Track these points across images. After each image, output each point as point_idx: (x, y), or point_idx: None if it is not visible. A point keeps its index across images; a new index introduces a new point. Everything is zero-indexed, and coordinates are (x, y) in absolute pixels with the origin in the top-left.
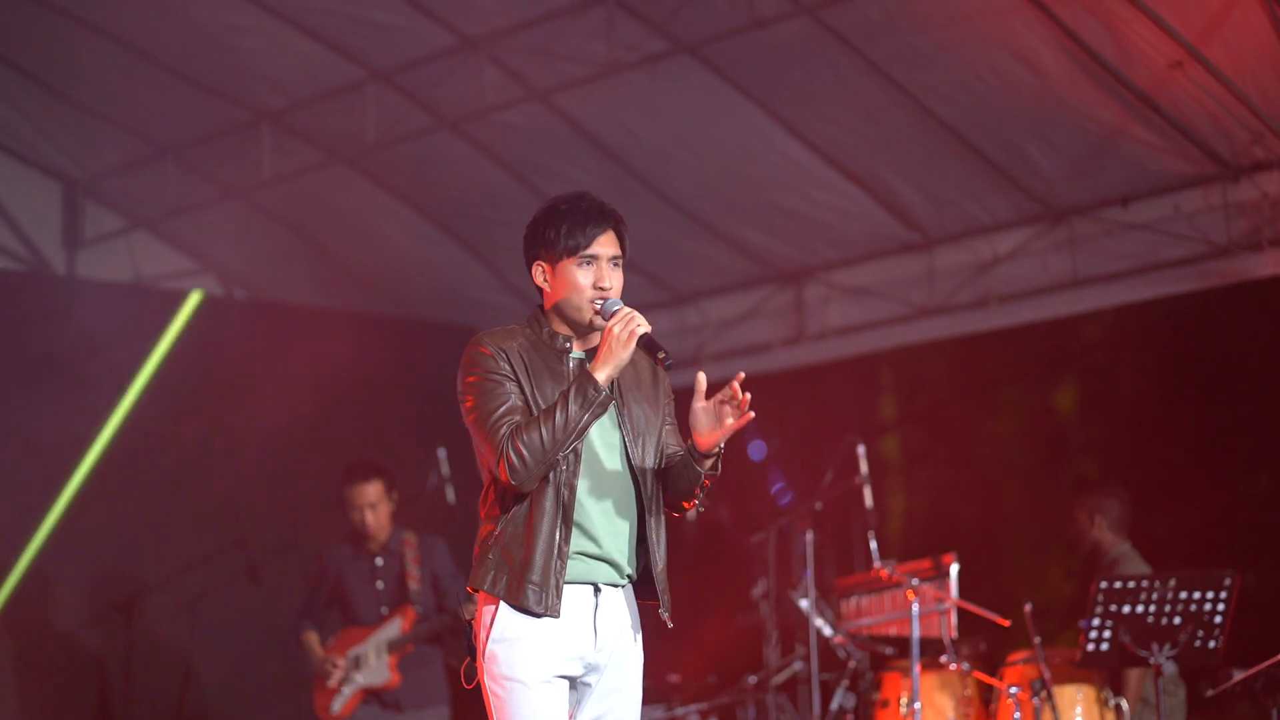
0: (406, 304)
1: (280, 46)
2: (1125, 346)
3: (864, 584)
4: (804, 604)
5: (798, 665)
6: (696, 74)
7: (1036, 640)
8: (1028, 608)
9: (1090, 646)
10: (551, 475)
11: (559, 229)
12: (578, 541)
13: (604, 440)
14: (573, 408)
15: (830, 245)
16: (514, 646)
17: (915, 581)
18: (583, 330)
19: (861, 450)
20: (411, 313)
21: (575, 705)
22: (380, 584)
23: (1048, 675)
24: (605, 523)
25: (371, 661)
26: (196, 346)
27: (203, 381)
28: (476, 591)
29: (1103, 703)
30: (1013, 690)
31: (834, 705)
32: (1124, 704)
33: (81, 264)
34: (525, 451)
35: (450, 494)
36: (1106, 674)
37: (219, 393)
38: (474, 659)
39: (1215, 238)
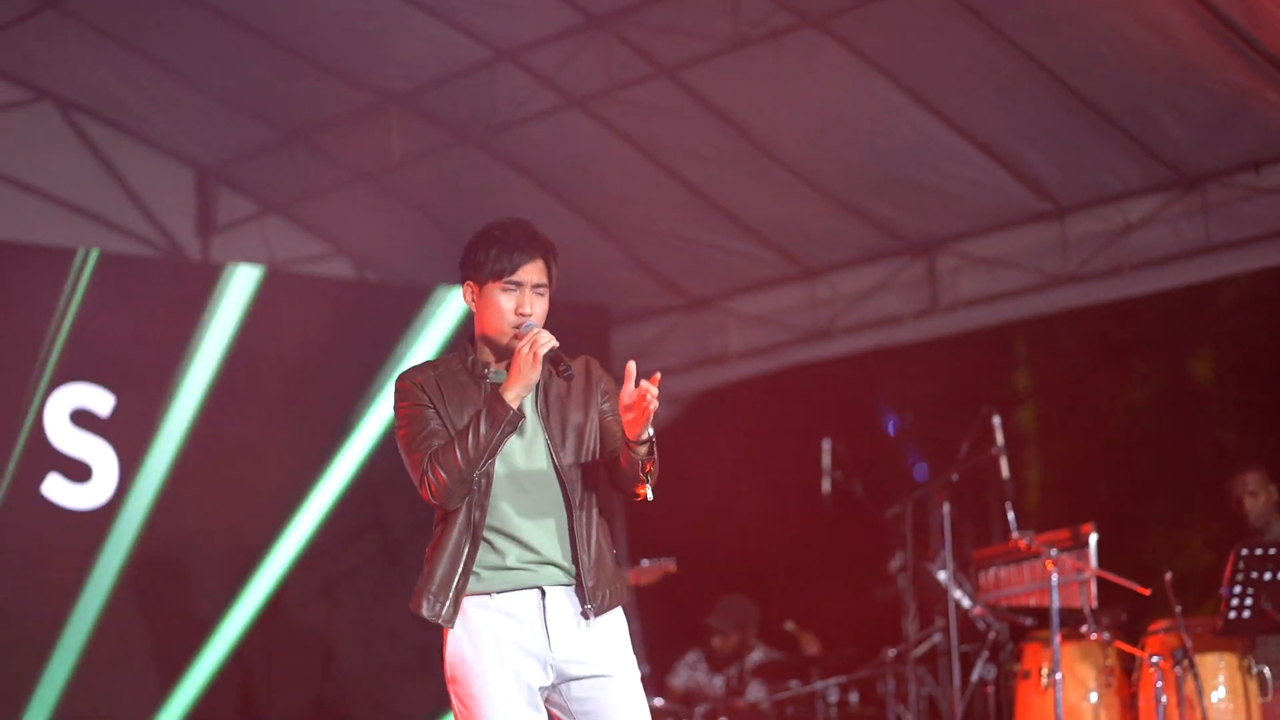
0: None
1: (407, 28)
2: (1261, 312)
3: (1002, 555)
4: (942, 576)
5: (937, 637)
6: (823, 47)
7: (1178, 609)
8: (1168, 576)
9: (1231, 614)
10: (467, 498)
11: (488, 253)
12: (515, 551)
13: (528, 452)
14: (484, 428)
15: (961, 216)
16: (467, 670)
17: (1054, 552)
18: (506, 354)
19: (997, 421)
20: None
21: (567, 700)
22: None
23: (1189, 644)
24: (539, 528)
25: None
26: (330, 329)
27: (337, 364)
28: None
29: (1245, 670)
30: (1154, 659)
31: (974, 677)
32: (1267, 672)
33: (216, 249)
34: (443, 472)
35: None
36: (1249, 642)
37: (353, 375)
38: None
39: None
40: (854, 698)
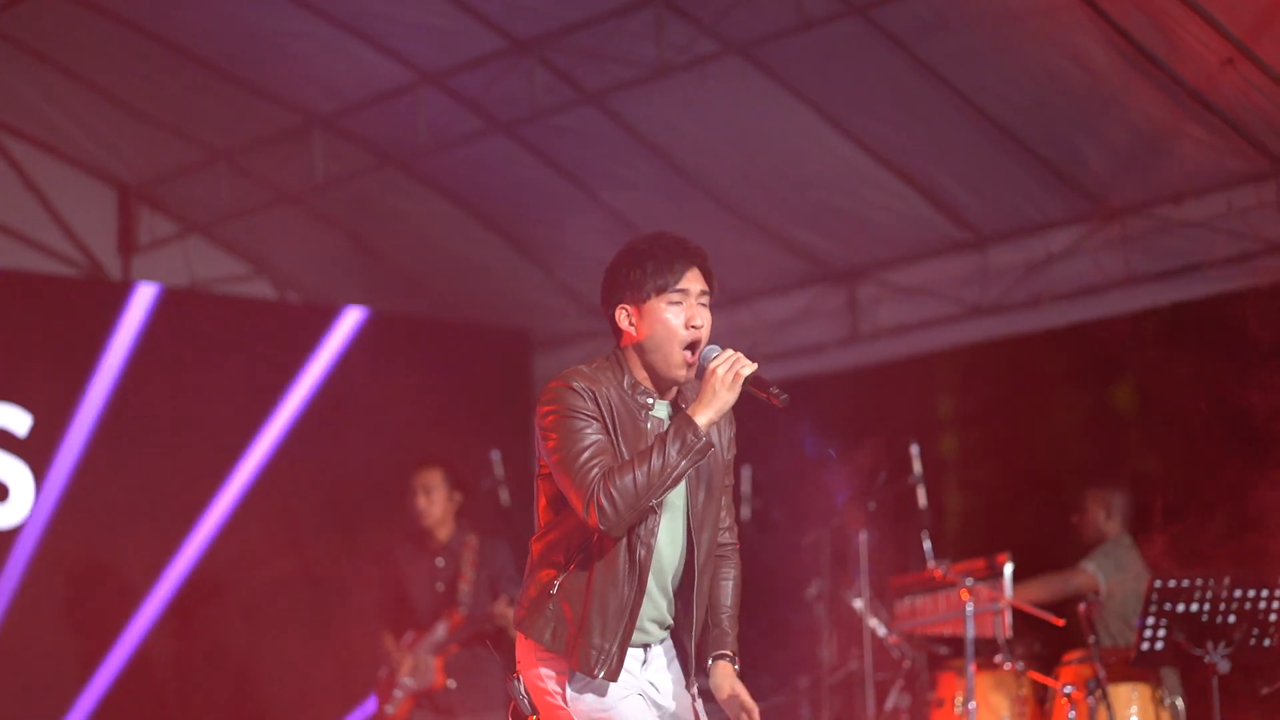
0: (459, 306)
1: (332, 50)
2: (1181, 344)
3: (918, 584)
4: (858, 604)
5: (853, 665)
6: (747, 74)
7: (1091, 639)
8: (1082, 607)
9: (1145, 646)
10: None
11: (644, 268)
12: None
13: (668, 498)
14: (671, 452)
15: (882, 245)
16: (593, 682)
17: (969, 581)
18: (665, 383)
19: (915, 450)
20: (464, 315)
21: None
22: (440, 585)
23: (1103, 674)
24: (660, 579)
25: (420, 664)
26: (248, 350)
27: (256, 385)
28: (534, 641)
29: (1158, 701)
30: (1067, 689)
31: (889, 705)
32: (1179, 703)
33: (137, 269)
34: (617, 496)
35: (504, 496)
36: (1159, 673)
37: (273, 397)
38: (527, 707)
39: (1269, 234)
40: None
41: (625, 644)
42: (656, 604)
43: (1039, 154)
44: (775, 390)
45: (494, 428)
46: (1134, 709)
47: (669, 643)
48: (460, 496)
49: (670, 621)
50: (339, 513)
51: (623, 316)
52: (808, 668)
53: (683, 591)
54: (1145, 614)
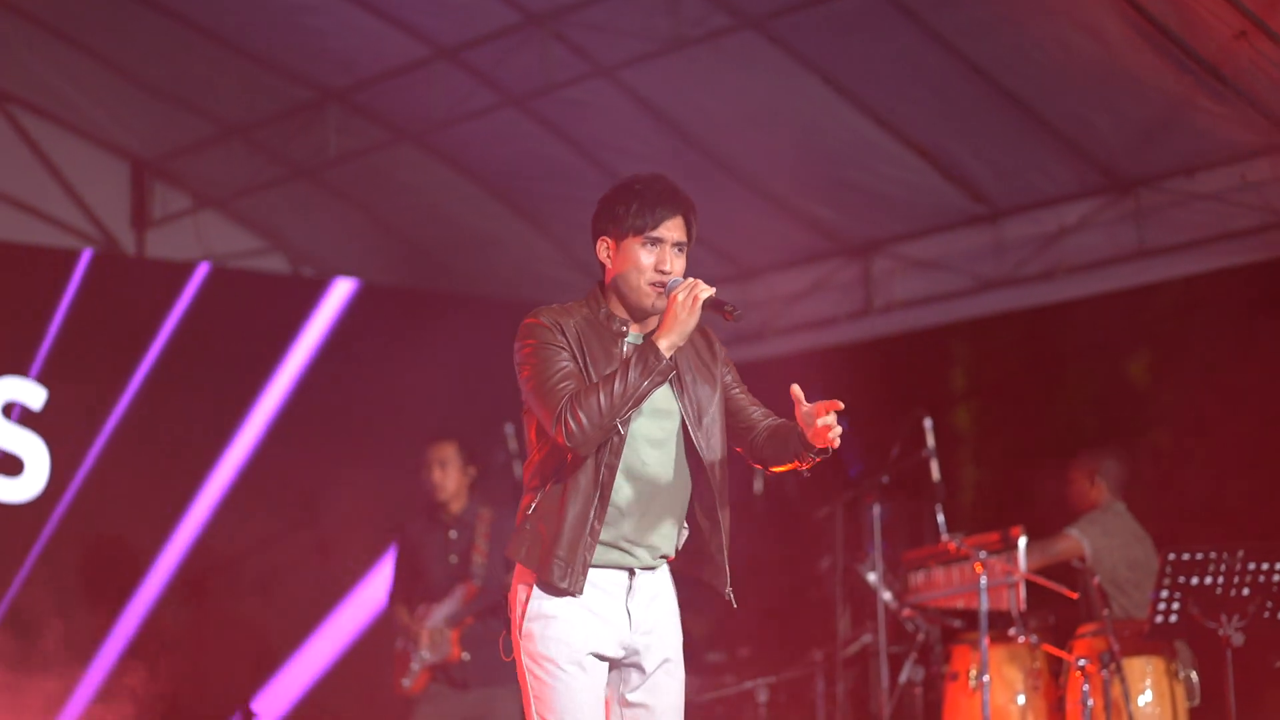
0: (473, 281)
1: (346, 25)
2: (1195, 317)
3: (932, 557)
4: (872, 577)
5: (867, 638)
6: (761, 48)
7: (1105, 613)
8: (1096, 580)
9: (1159, 619)
10: (594, 453)
11: (629, 206)
12: (615, 524)
13: (657, 422)
14: (633, 375)
15: (896, 218)
16: (549, 625)
17: (982, 554)
18: (638, 313)
19: (928, 423)
20: (478, 289)
21: (623, 686)
22: (453, 558)
23: (1116, 648)
24: (647, 506)
25: (436, 636)
26: (265, 325)
27: (272, 359)
28: (515, 561)
29: (1172, 675)
30: (1081, 662)
31: (903, 678)
32: (1194, 676)
33: (150, 244)
34: (583, 416)
35: (517, 469)
36: (1175, 645)
37: (269, 368)
38: (508, 632)
39: None
40: (783, 698)
41: (586, 562)
42: (634, 523)
43: (1053, 127)
44: (730, 308)
45: (508, 402)
46: (1148, 682)
47: (663, 576)
48: (474, 470)
49: (663, 549)
50: (352, 486)
51: (602, 248)
52: (821, 641)
53: (707, 513)
54: (1159, 586)
